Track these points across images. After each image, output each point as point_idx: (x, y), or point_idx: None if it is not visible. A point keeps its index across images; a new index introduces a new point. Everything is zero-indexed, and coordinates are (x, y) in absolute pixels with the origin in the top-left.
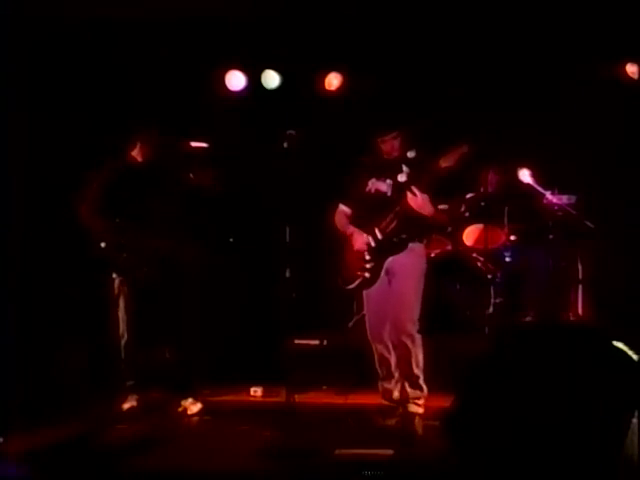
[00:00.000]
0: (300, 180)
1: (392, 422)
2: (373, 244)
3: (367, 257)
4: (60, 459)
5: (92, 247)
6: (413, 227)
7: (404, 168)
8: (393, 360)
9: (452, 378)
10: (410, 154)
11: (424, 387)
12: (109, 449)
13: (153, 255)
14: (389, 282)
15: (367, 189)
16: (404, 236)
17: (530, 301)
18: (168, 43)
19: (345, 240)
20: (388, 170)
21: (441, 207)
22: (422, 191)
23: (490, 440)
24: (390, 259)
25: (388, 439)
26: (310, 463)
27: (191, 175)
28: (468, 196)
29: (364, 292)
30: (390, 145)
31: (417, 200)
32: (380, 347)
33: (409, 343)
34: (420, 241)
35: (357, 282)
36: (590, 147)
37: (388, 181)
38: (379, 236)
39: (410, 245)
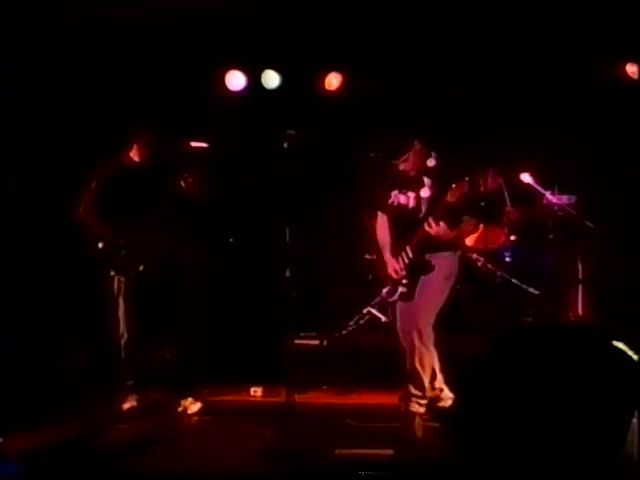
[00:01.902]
0: (300, 180)
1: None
2: (407, 261)
3: (403, 273)
4: (60, 459)
5: (91, 247)
6: (439, 244)
7: (426, 181)
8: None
9: (452, 378)
10: (430, 162)
11: (426, 388)
12: (109, 449)
13: (152, 254)
14: None
15: (390, 201)
16: (432, 261)
17: (530, 301)
18: (168, 43)
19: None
20: (410, 184)
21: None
22: (437, 220)
23: (490, 440)
24: None
25: (388, 439)
26: (310, 463)
27: (182, 183)
28: None
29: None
30: (405, 165)
31: (433, 230)
32: None
33: (416, 338)
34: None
35: (397, 294)
36: (590, 147)
37: (410, 194)
38: (410, 255)
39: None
